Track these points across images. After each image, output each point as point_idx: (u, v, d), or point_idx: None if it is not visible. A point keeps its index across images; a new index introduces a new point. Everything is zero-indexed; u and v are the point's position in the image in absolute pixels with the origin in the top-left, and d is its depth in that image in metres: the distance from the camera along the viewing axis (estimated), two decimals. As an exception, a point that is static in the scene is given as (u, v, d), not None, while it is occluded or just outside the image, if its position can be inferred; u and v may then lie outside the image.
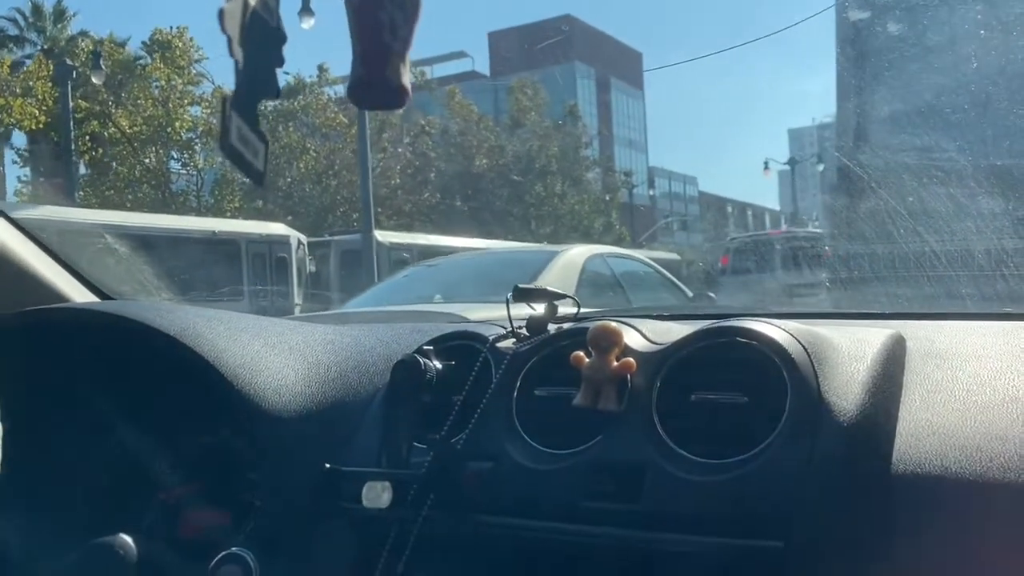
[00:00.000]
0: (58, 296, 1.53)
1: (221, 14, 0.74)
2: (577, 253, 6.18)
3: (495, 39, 46.20)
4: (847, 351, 1.06)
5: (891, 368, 1.06)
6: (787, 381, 1.01)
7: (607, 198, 35.23)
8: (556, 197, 31.61)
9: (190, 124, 23.14)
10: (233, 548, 1.08)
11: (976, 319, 1.28)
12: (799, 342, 1.04)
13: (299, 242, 16.83)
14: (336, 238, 18.56)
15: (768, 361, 1.03)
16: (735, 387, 1.05)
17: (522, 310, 1.30)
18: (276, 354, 1.34)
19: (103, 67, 20.35)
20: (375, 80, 0.74)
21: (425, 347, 1.20)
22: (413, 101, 0.82)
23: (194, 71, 23.90)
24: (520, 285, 1.30)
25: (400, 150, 27.43)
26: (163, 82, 23.02)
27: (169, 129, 22.68)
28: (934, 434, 0.98)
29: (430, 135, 29.00)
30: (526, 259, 7.15)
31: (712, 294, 8.26)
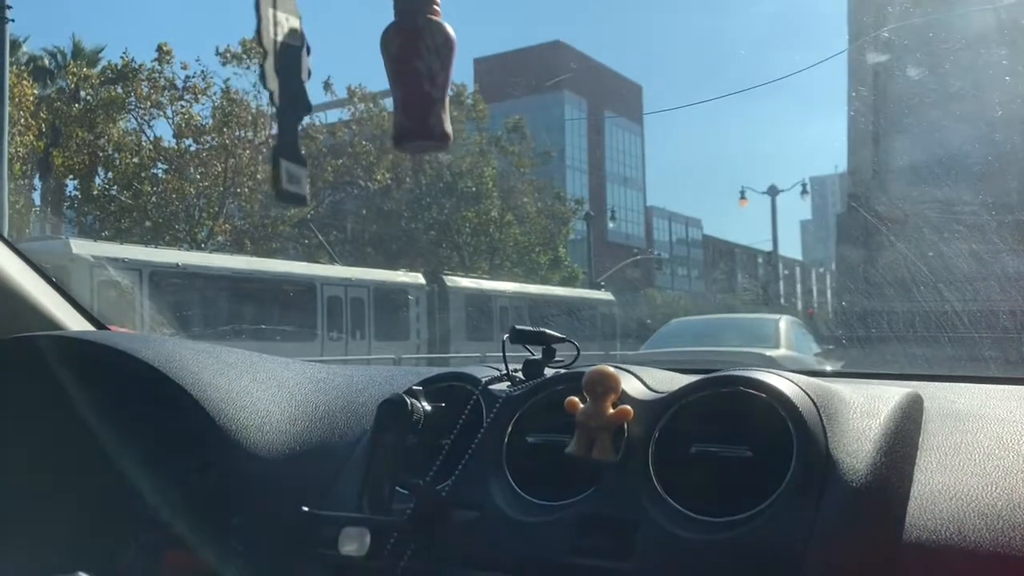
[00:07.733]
0: (53, 324, 1.58)
1: (262, 65, 0.82)
2: (787, 319, 10.07)
3: (480, 66, 46.66)
4: (859, 407, 1.08)
5: (906, 427, 1.08)
6: (793, 436, 1.02)
7: (562, 229, 32.03)
8: (493, 225, 28.49)
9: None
10: None
11: (1000, 383, 1.30)
12: (808, 395, 1.06)
13: None
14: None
15: (774, 414, 1.05)
16: (739, 440, 1.07)
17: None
18: (263, 390, 1.38)
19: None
20: (419, 129, 0.80)
21: (414, 387, 1.22)
22: None
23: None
24: (518, 327, 1.32)
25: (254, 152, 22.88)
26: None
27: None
28: (951, 498, 0.98)
29: (313, 139, 24.99)
30: (756, 321, 11.20)
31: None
